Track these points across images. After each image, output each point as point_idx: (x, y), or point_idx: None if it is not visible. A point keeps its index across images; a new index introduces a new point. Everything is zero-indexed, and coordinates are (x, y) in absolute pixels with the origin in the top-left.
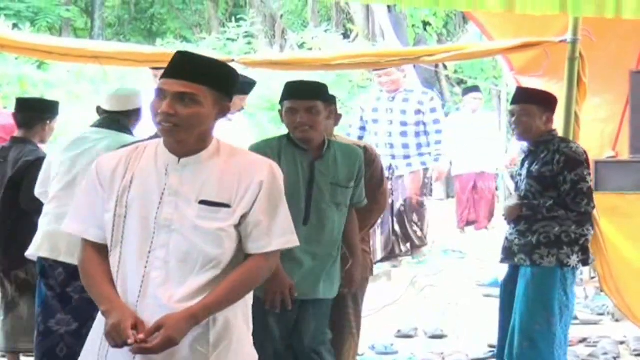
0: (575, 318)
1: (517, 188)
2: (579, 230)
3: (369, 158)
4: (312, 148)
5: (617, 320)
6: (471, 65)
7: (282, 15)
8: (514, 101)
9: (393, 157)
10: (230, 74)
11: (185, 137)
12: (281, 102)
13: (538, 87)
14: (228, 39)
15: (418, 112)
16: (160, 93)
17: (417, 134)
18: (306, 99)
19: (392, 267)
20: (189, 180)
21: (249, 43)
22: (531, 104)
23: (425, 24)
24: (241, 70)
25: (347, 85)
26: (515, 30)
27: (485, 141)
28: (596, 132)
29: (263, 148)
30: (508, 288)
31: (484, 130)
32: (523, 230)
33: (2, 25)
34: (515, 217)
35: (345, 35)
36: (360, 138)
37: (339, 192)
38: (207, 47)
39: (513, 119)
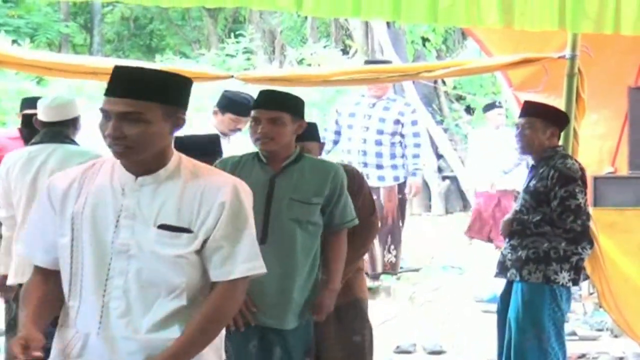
0: (574, 334)
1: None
2: (570, 248)
3: (358, 183)
4: (274, 161)
5: (616, 336)
6: (470, 81)
7: (281, 31)
8: (520, 114)
9: (365, 164)
10: (177, 83)
11: (140, 157)
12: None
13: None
14: (227, 55)
15: (397, 122)
16: (104, 114)
17: (393, 145)
18: (271, 109)
19: (391, 283)
20: (146, 201)
21: (248, 59)
22: (535, 118)
23: (424, 39)
24: (240, 88)
25: None
26: (514, 46)
27: (508, 158)
28: (595, 148)
29: (224, 163)
30: (504, 303)
31: (508, 146)
32: (515, 245)
33: (2, 41)
34: (508, 231)
35: (345, 51)
36: (335, 142)
37: (299, 208)
38: (207, 62)
39: (517, 131)
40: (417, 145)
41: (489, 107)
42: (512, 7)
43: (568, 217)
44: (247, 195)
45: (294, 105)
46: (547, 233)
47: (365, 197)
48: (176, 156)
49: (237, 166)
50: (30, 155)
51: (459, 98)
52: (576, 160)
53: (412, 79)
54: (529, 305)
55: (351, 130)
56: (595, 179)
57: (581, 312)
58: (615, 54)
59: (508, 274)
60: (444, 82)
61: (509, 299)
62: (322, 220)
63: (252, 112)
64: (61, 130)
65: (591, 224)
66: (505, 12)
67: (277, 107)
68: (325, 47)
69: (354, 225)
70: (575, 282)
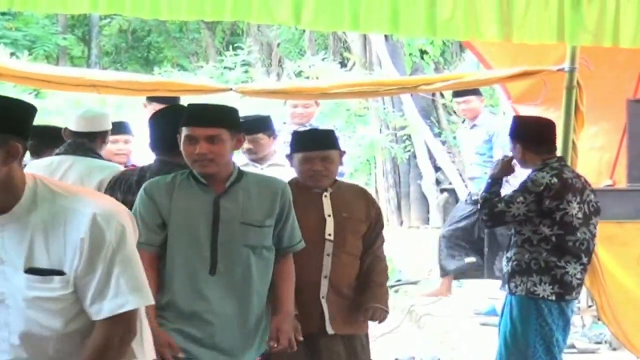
0: (573, 346)
1: None
2: (551, 259)
3: (373, 203)
4: (215, 182)
5: (614, 349)
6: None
7: (279, 44)
8: None
9: None
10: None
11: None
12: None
13: (535, 116)
14: (225, 68)
15: None
16: None
17: None
18: (207, 126)
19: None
20: (12, 243)
21: (246, 71)
22: (510, 138)
23: (422, 52)
24: (238, 101)
25: (344, 113)
26: (512, 59)
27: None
28: (594, 160)
29: (154, 185)
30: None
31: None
32: (508, 258)
33: (0, 54)
34: (503, 172)
35: (343, 64)
36: None
37: (251, 232)
38: (205, 75)
39: None
40: None
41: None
42: (511, 20)
43: (486, 202)
44: (114, 225)
45: (231, 119)
46: (530, 243)
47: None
48: (30, 186)
49: (171, 189)
50: (52, 167)
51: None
52: (558, 175)
53: (410, 92)
54: (515, 320)
55: None
56: (594, 191)
57: (580, 324)
58: (614, 67)
59: (505, 286)
60: (442, 95)
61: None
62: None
63: (184, 130)
64: (87, 142)
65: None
66: (504, 25)
67: (213, 122)
68: (323, 59)
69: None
70: (561, 297)
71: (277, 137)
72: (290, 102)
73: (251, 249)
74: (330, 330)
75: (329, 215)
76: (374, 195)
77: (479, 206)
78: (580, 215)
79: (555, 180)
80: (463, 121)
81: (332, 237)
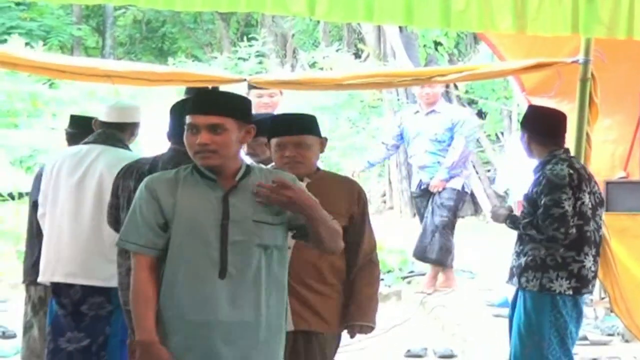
0: (585, 339)
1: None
2: (569, 254)
3: (359, 198)
4: (222, 177)
5: (627, 341)
6: (482, 85)
7: (293, 35)
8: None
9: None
10: None
11: None
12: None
13: (549, 107)
14: (239, 59)
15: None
16: None
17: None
18: (210, 113)
19: (402, 287)
20: None
21: (261, 62)
22: (521, 130)
23: (437, 44)
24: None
25: (358, 105)
26: (526, 51)
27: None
28: (607, 153)
29: (153, 184)
30: (514, 308)
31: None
32: (518, 252)
33: (15, 44)
34: (500, 221)
35: (357, 55)
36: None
37: (265, 230)
38: (219, 66)
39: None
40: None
41: None
42: (525, 12)
43: (551, 225)
44: None
45: (237, 108)
46: (546, 238)
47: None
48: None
49: (175, 185)
50: (79, 155)
51: (471, 102)
52: (571, 166)
53: (424, 83)
54: (529, 313)
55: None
56: (608, 184)
57: (592, 316)
58: (628, 59)
59: (513, 280)
60: (456, 87)
61: (514, 304)
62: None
63: (188, 118)
64: (116, 133)
65: (604, 228)
66: (519, 17)
67: (217, 110)
68: (337, 50)
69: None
70: (578, 291)
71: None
72: (254, 92)
73: (264, 249)
74: (290, 326)
75: None
76: (386, 186)
77: (525, 233)
78: (590, 205)
79: (571, 171)
80: (416, 111)
81: None
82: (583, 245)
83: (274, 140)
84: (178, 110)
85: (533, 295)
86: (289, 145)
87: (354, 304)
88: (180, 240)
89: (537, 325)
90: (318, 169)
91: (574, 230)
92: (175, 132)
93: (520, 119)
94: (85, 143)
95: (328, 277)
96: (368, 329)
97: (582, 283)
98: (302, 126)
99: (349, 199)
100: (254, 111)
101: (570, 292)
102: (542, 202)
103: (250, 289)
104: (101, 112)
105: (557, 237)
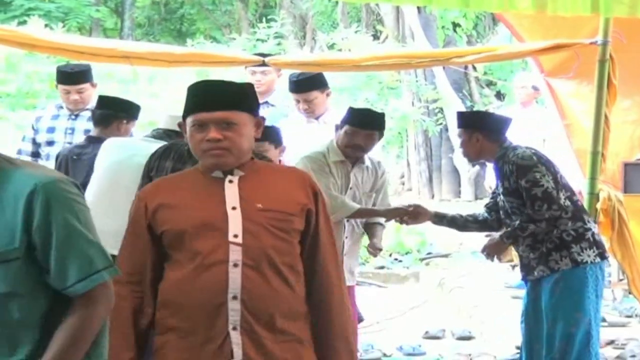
0: (603, 320)
1: (502, 209)
2: (577, 225)
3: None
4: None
5: None
6: (501, 66)
7: (312, 16)
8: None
9: None
10: None
11: None
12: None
13: (568, 89)
14: (258, 40)
15: None
16: None
17: None
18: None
19: (420, 269)
20: None
21: (279, 44)
22: (462, 129)
23: (455, 25)
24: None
25: (376, 86)
26: (545, 32)
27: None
28: (626, 134)
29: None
30: (531, 300)
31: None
32: (531, 243)
33: (35, 26)
34: (503, 252)
35: (375, 37)
36: None
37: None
38: (237, 47)
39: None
40: None
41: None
42: None
43: (541, 207)
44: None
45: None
46: (554, 217)
47: None
48: None
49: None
50: (130, 144)
51: (490, 84)
52: (528, 147)
53: (443, 65)
54: (568, 292)
55: None
56: (626, 165)
57: (610, 298)
58: None
59: (536, 273)
60: (474, 68)
61: (535, 296)
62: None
63: (191, 118)
64: (170, 135)
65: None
66: None
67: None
68: (356, 32)
69: None
70: (602, 257)
71: (284, 149)
72: (249, 69)
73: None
74: None
75: (234, 208)
76: (405, 168)
77: (526, 235)
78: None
79: (533, 151)
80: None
81: (239, 239)
82: (582, 213)
83: (189, 119)
84: None
85: (568, 273)
86: (210, 124)
87: (329, 350)
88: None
89: (580, 301)
90: (252, 158)
91: (567, 202)
92: None
93: (458, 123)
94: (145, 137)
95: (298, 311)
96: None
97: (602, 248)
98: (228, 98)
99: (299, 192)
100: None
101: (598, 259)
102: (522, 187)
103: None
104: (160, 120)
105: (555, 215)
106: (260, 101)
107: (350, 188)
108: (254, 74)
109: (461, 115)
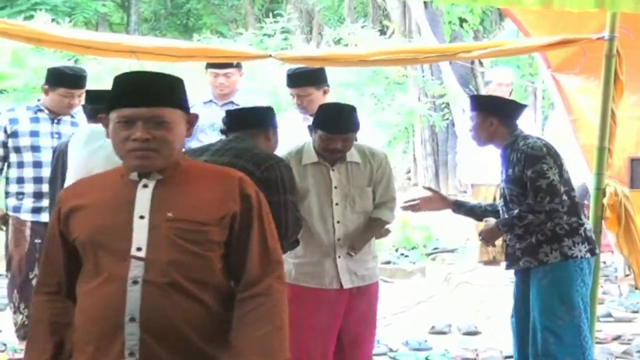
0: (610, 315)
1: (501, 196)
2: (572, 220)
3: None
4: None
5: None
6: (507, 61)
7: (318, 11)
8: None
9: None
10: None
11: None
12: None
13: (575, 85)
14: (265, 35)
15: None
16: None
17: None
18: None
19: (426, 264)
20: None
21: (286, 39)
22: (476, 111)
23: (462, 20)
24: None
25: (383, 81)
26: (551, 27)
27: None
28: (632, 129)
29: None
30: (520, 292)
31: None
32: (521, 234)
33: (41, 20)
34: (497, 238)
35: (382, 32)
36: None
37: None
38: (244, 42)
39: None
40: None
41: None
42: None
43: (544, 199)
44: None
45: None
46: (550, 211)
47: None
48: None
49: None
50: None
51: None
52: (539, 138)
53: (449, 59)
54: (555, 285)
55: None
56: (632, 160)
57: (617, 293)
58: None
59: (521, 263)
60: (481, 63)
61: (524, 288)
62: None
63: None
64: None
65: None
66: None
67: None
68: (362, 27)
69: None
70: (593, 253)
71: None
72: (210, 71)
73: None
74: None
75: (142, 217)
76: (411, 163)
77: (523, 224)
78: (569, 174)
79: (544, 142)
80: None
81: (142, 253)
82: (578, 209)
83: (113, 114)
84: None
85: (557, 267)
86: (138, 122)
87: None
88: None
89: (568, 295)
90: (181, 159)
91: (564, 196)
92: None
93: (477, 107)
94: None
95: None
96: None
97: (593, 244)
98: (157, 93)
99: (223, 197)
100: (209, 92)
101: (589, 254)
102: (527, 176)
103: None
104: None
105: (556, 208)
106: (225, 101)
107: (335, 187)
108: (217, 76)
109: (476, 99)
